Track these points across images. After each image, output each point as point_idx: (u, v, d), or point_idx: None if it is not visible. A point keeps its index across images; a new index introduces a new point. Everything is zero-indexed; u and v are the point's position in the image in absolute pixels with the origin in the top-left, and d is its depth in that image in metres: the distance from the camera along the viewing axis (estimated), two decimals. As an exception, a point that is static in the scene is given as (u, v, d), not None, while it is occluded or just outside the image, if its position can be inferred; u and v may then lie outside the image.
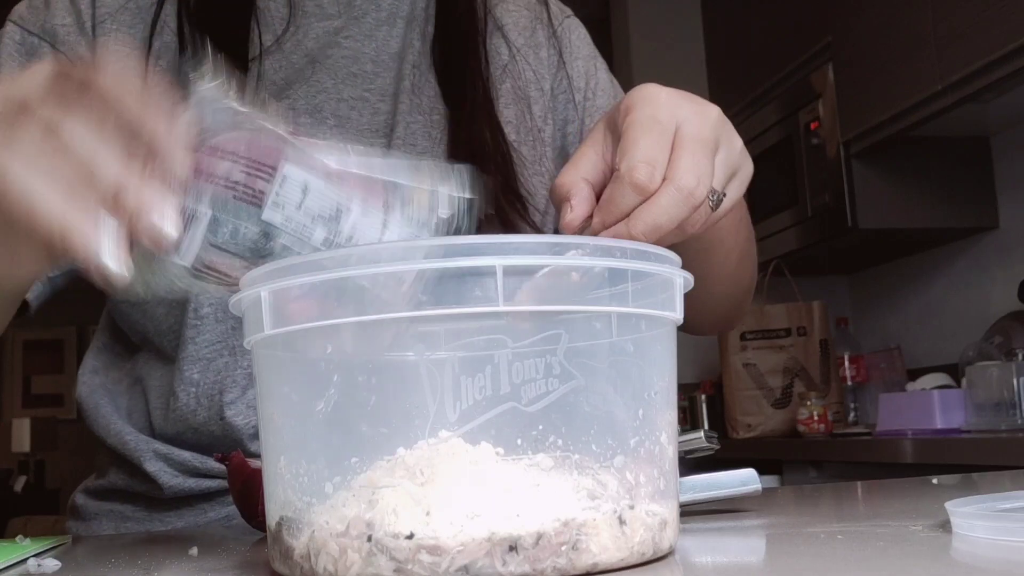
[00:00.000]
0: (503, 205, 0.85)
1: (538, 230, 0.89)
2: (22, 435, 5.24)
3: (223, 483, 0.86)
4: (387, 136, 0.89)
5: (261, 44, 0.88)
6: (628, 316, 0.45)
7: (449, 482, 0.41)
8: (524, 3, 1.00)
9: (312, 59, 0.89)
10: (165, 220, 0.45)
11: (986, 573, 0.42)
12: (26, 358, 5.75)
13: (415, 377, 0.42)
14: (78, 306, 1.12)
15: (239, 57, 0.86)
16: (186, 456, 0.86)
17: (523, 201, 0.88)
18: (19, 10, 0.86)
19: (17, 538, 0.64)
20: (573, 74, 0.98)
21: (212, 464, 0.86)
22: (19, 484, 5.22)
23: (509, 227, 0.84)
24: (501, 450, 0.43)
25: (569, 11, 1.04)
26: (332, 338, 0.44)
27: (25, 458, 5.35)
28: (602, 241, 0.44)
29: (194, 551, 0.58)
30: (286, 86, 0.88)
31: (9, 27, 0.84)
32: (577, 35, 1.01)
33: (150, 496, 0.88)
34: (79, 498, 0.94)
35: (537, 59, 0.97)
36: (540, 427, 0.43)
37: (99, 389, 0.92)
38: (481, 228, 0.57)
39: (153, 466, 0.86)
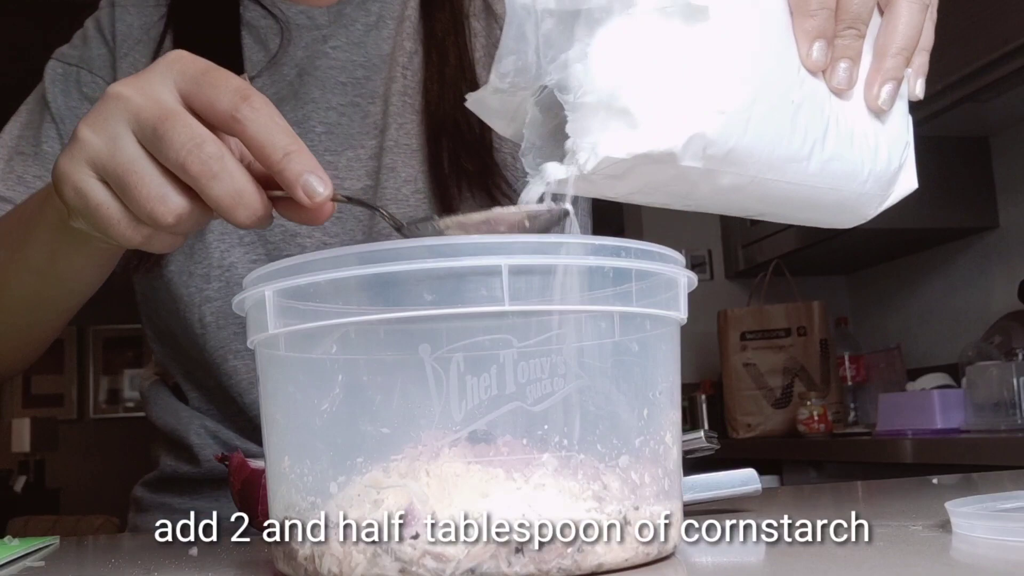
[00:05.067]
0: (489, 188, 0.88)
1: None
2: (22, 435, 5.24)
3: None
4: (379, 137, 0.90)
5: (253, 61, 0.91)
6: (632, 316, 0.46)
7: (454, 482, 0.41)
8: None
9: (301, 70, 0.91)
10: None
11: (986, 573, 0.42)
12: (26, 358, 5.74)
13: (420, 377, 0.42)
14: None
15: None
16: (231, 435, 0.91)
17: (509, 185, 0.89)
18: (62, 49, 0.96)
19: (6, 538, 0.64)
20: None
21: (251, 447, 0.88)
22: (19, 484, 5.22)
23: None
24: (506, 450, 0.43)
25: None
26: (337, 336, 0.44)
27: (25, 458, 5.35)
28: (606, 240, 0.44)
29: (194, 551, 0.58)
30: (278, 102, 0.88)
31: (52, 63, 0.95)
32: None
33: (191, 479, 0.92)
34: (138, 491, 0.99)
35: None
36: (545, 427, 0.43)
37: (159, 382, 0.99)
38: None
39: (198, 438, 0.91)
